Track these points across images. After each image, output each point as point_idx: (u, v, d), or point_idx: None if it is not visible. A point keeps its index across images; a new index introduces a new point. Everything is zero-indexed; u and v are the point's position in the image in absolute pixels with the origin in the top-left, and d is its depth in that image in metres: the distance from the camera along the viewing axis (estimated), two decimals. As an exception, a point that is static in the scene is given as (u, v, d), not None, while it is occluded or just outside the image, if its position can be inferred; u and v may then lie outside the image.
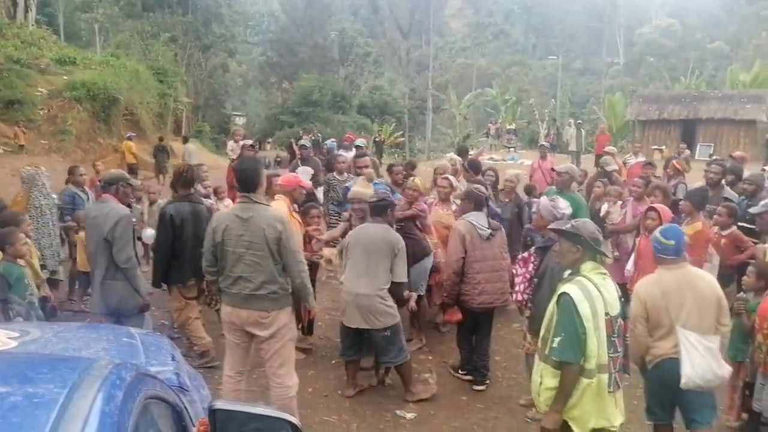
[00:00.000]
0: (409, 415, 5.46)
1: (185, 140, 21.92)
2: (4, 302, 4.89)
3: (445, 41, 58.72)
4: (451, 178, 7.33)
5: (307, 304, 4.82)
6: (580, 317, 3.57)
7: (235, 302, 4.53)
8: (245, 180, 4.55)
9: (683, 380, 4.11)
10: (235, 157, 11.88)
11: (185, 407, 2.38)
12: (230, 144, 14.66)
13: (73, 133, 20.17)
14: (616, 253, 7.38)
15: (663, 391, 4.31)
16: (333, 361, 6.49)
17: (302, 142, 11.51)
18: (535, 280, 5.08)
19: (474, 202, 5.93)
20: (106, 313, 5.35)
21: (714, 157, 18.20)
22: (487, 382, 6.04)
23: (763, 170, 8.44)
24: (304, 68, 47.88)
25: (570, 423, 3.69)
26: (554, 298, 3.80)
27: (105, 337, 3.29)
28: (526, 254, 5.32)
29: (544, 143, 15.10)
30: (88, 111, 21.15)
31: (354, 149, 11.86)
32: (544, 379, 3.71)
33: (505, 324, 7.24)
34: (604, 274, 3.82)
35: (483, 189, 6.29)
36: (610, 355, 3.64)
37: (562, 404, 3.65)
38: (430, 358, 6.73)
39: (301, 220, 6.12)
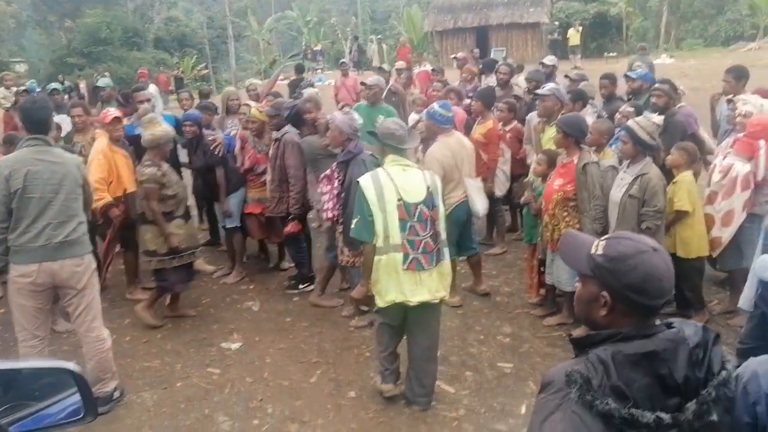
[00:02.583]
0: (234, 346, 5.43)
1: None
2: None
3: (238, -37, 56.02)
4: (251, 103, 7.14)
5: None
6: (367, 202, 3.98)
7: (43, 255, 4.11)
8: (37, 121, 4.18)
9: (480, 213, 5.85)
10: (9, 105, 10.60)
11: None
12: (1, 91, 12.98)
13: None
14: None
15: (455, 230, 5.48)
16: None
17: (101, 82, 10.55)
18: (342, 194, 5.15)
19: (284, 114, 6.26)
20: None
21: (510, 60, 19.37)
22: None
23: (542, 64, 9.06)
24: (86, 4, 43.58)
25: (375, 296, 4.15)
26: None
27: None
28: (328, 171, 5.35)
29: (344, 61, 15.11)
30: None
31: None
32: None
33: (315, 239, 7.09)
34: (405, 165, 4.15)
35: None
36: (407, 237, 3.97)
37: (367, 277, 4.14)
38: (251, 287, 6.70)
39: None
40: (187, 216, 5.85)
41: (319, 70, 30.64)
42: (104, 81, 10.27)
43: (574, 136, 5.01)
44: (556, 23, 28.85)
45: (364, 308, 5.05)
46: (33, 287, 4.19)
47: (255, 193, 6.57)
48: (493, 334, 5.45)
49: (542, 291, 5.78)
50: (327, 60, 35.85)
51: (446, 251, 4.19)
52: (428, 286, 4.05)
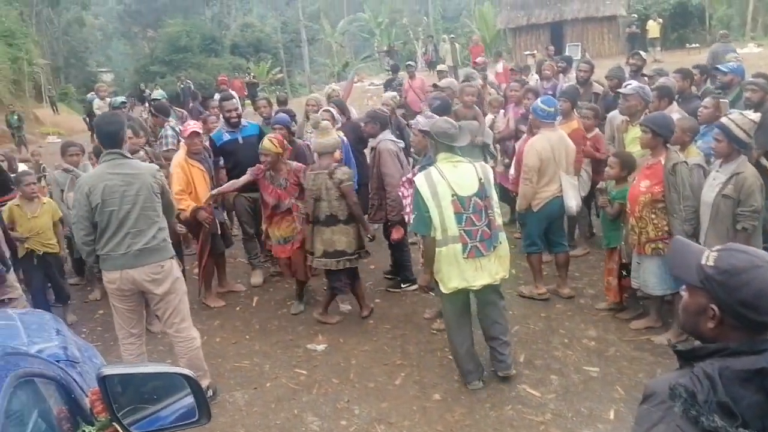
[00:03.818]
0: (320, 347, 5.55)
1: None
2: None
3: (311, -32, 56.91)
4: (332, 110, 7.23)
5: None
6: (422, 198, 4.29)
7: (124, 263, 4.35)
8: (110, 135, 4.37)
9: (572, 210, 5.89)
10: (105, 115, 11.16)
11: (74, 380, 2.30)
12: (96, 102, 13.73)
13: None
14: (507, 160, 7.49)
15: (543, 225, 5.80)
16: (237, 308, 6.48)
17: (155, 95, 10.61)
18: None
19: (380, 122, 6.34)
20: None
21: (587, 55, 18.99)
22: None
23: (634, 56, 8.79)
24: (167, 13, 45.32)
25: (439, 283, 4.45)
26: None
27: (-20, 322, 3.10)
28: (410, 175, 5.40)
29: (410, 63, 14.87)
30: (-69, 86, 19.35)
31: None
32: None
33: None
34: (456, 161, 4.42)
35: (385, 110, 6.69)
36: (464, 228, 4.28)
37: (429, 266, 4.46)
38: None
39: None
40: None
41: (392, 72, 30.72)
42: (158, 93, 10.44)
43: (663, 136, 4.88)
44: (634, 16, 27.93)
45: (432, 294, 5.10)
46: (119, 292, 4.44)
47: (281, 231, 6.09)
48: (577, 338, 5.37)
49: (625, 295, 5.66)
50: (400, 60, 35.92)
51: (502, 234, 4.49)
52: (488, 270, 4.39)
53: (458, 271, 4.33)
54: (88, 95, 24.45)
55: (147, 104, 15.45)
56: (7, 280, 5.33)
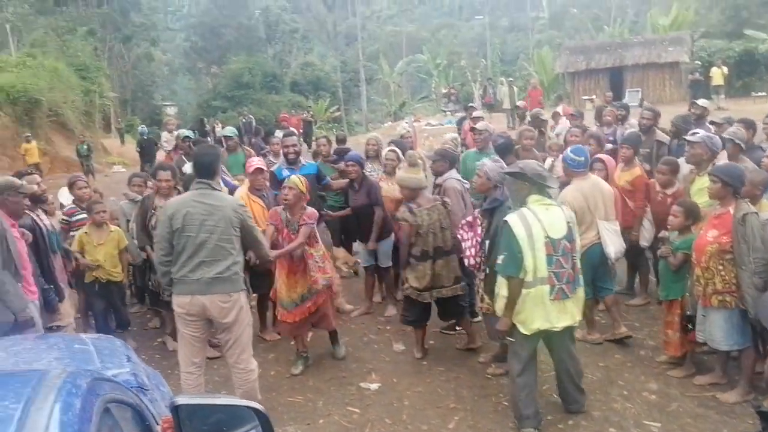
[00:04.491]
0: (373, 386, 5.53)
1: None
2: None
3: (371, 10, 58.30)
4: (397, 150, 7.20)
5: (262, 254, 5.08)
6: (516, 239, 4.27)
7: (195, 289, 4.48)
8: (204, 166, 4.62)
9: (612, 256, 5.82)
10: (170, 148, 11.55)
11: (147, 407, 2.36)
12: (164, 135, 14.30)
13: (-4, 140, 19.44)
14: None
15: (588, 272, 5.36)
16: (291, 342, 6.52)
17: (226, 131, 10.21)
18: (486, 242, 5.18)
19: (449, 161, 6.44)
20: None
21: (644, 102, 18.79)
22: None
23: (693, 105, 8.70)
24: (231, 51, 46.93)
25: (518, 326, 4.43)
26: None
27: (56, 346, 3.22)
28: (470, 218, 5.41)
29: (471, 104, 15.00)
30: (10, 116, 20.42)
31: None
32: (500, 290, 4.46)
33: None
34: (548, 204, 4.47)
35: (453, 147, 6.76)
36: (552, 270, 4.31)
37: (511, 310, 4.39)
38: (388, 327, 6.81)
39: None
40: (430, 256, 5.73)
41: (449, 113, 30.96)
42: (230, 130, 10.15)
43: (733, 186, 4.78)
44: (697, 62, 27.59)
45: (509, 340, 4.89)
46: (188, 317, 4.57)
47: (301, 288, 5.67)
48: (637, 390, 5.21)
49: (687, 349, 5.48)
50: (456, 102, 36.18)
51: (581, 278, 4.56)
52: (570, 312, 4.45)
53: (543, 313, 4.35)
54: (140, 127, 25.37)
55: (211, 139, 15.89)
56: (59, 310, 5.44)
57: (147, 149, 18.26)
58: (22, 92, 20.55)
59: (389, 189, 6.87)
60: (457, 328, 6.44)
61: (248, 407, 2.15)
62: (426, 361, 5.96)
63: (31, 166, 17.63)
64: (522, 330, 4.42)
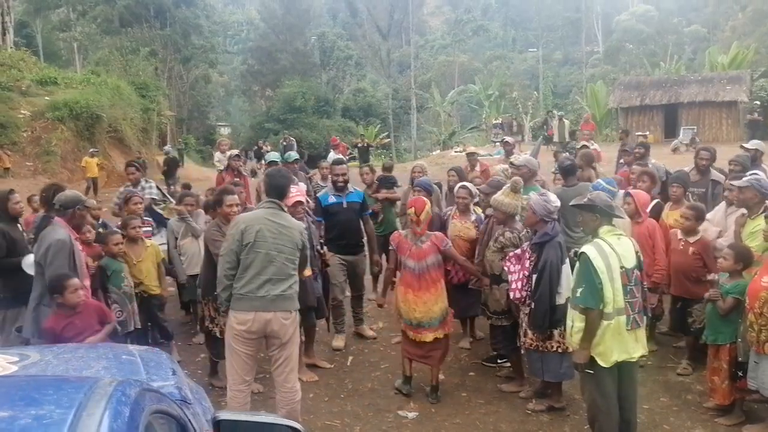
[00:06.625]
0: (411, 415, 5.50)
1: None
2: (104, 291, 5.73)
3: (425, 40, 58.91)
4: (470, 186, 6.75)
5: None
6: (596, 270, 4.27)
7: (259, 306, 4.55)
8: (277, 187, 4.79)
9: None
10: (222, 167, 11.81)
11: (189, 420, 2.41)
12: (217, 155, 14.70)
13: (58, 153, 20.16)
14: None
15: None
16: (332, 365, 6.54)
17: (270, 156, 10.31)
18: (533, 276, 5.14)
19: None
20: (38, 338, 4.83)
21: (697, 140, 18.43)
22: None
23: (742, 147, 8.51)
24: (286, 75, 47.90)
25: (596, 358, 4.38)
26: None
27: (105, 355, 3.31)
28: (518, 251, 5.35)
29: (507, 139, 14.08)
30: (72, 130, 21.11)
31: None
32: (575, 323, 4.42)
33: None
34: (619, 234, 4.51)
35: (504, 178, 6.60)
36: (628, 300, 4.34)
37: (589, 342, 4.36)
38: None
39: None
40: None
41: (499, 143, 30.84)
42: (273, 156, 10.22)
43: (790, 230, 4.66)
44: (756, 102, 26.99)
45: (589, 372, 4.63)
46: (247, 334, 4.61)
47: (430, 306, 5.64)
48: (683, 436, 5.07)
49: (736, 396, 5.30)
50: (507, 133, 36.06)
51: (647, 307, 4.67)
52: (642, 342, 4.51)
53: (621, 344, 4.36)
54: (165, 147, 25.89)
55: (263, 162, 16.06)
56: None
57: (171, 167, 18.57)
58: (85, 108, 21.27)
59: (462, 228, 6.47)
60: (499, 360, 6.37)
61: (288, 426, 2.17)
62: (465, 393, 5.90)
63: (88, 179, 18.27)
64: (601, 363, 4.37)
